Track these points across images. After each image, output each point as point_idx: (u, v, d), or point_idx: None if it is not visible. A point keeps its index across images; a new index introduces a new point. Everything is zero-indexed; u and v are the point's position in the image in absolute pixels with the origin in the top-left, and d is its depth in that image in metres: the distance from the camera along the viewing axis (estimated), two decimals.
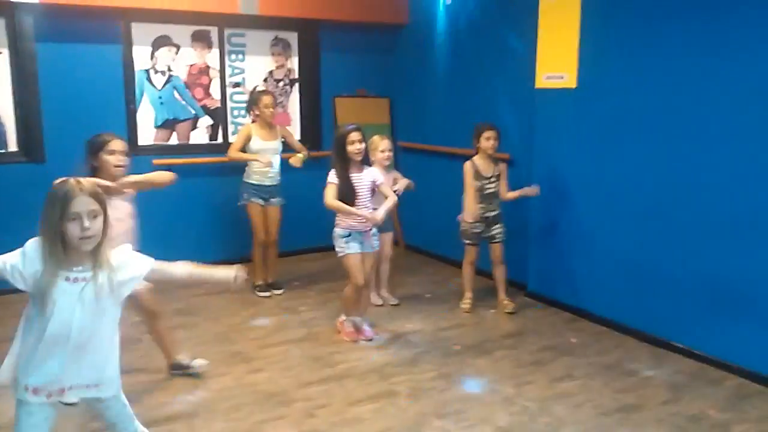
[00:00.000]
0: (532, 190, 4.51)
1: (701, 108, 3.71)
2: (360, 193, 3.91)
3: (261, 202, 4.93)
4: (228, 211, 5.37)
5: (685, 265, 3.87)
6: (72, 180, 2.07)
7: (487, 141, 4.45)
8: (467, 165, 4.51)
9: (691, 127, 3.78)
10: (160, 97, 5.58)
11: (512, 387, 3.51)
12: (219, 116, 5.86)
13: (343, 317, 4.21)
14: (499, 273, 4.70)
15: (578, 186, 4.51)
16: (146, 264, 2.24)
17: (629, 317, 4.23)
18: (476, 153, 4.54)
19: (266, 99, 4.89)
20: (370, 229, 4.01)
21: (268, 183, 4.93)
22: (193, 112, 5.76)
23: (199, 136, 5.82)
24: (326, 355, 3.93)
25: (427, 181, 4.82)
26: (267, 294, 5.00)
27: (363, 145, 3.92)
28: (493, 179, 4.52)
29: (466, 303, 4.70)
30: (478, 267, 4.75)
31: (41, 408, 2.13)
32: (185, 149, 5.63)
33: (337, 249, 4.05)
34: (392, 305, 4.80)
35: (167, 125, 5.64)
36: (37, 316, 2.07)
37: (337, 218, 4.02)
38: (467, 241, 4.64)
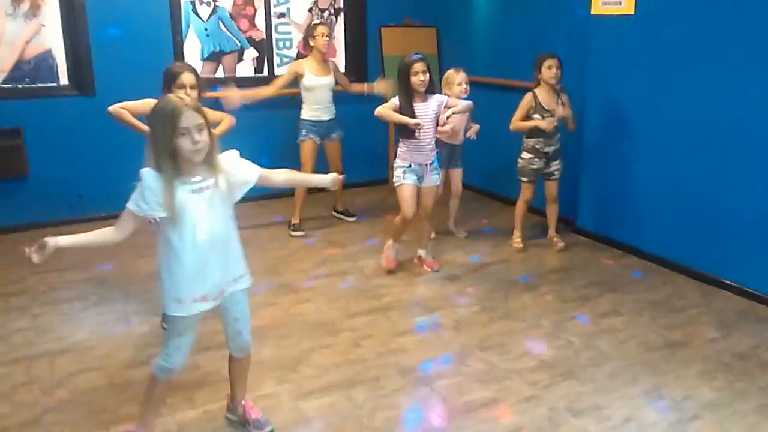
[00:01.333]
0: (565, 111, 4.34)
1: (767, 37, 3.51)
2: (423, 123, 3.88)
3: (317, 139, 4.92)
4: (277, 145, 5.39)
5: (738, 202, 3.75)
6: (173, 97, 2.13)
7: (549, 70, 4.26)
8: (528, 96, 4.35)
9: (755, 59, 3.57)
10: (205, 29, 5.56)
11: (557, 322, 3.52)
12: (264, 48, 5.82)
13: (390, 242, 4.26)
14: (552, 211, 4.62)
15: (631, 118, 4.35)
16: (255, 170, 2.34)
17: (678, 254, 4.16)
18: (537, 84, 4.38)
19: (321, 28, 4.83)
20: (431, 163, 3.99)
21: (326, 118, 4.92)
22: (239, 44, 5.73)
23: (245, 68, 5.82)
24: (372, 287, 3.99)
25: (475, 115, 4.72)
26: (301, 233, 4.94)
27: (427, 77, 3.85)
28: (555, 112, 4.35)
29: (518, 242, 4.64)
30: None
31: (192, 307, 2.27)
32: (231, 82, 5.62)
33: (393, 178, 4.09)
34: (462, 237, 4.88)
35: (213, 58, 5.63)
36: (177, 235, 2.16)
37: (399, 150, 4.01)
38: (524, 179, 4.50)
